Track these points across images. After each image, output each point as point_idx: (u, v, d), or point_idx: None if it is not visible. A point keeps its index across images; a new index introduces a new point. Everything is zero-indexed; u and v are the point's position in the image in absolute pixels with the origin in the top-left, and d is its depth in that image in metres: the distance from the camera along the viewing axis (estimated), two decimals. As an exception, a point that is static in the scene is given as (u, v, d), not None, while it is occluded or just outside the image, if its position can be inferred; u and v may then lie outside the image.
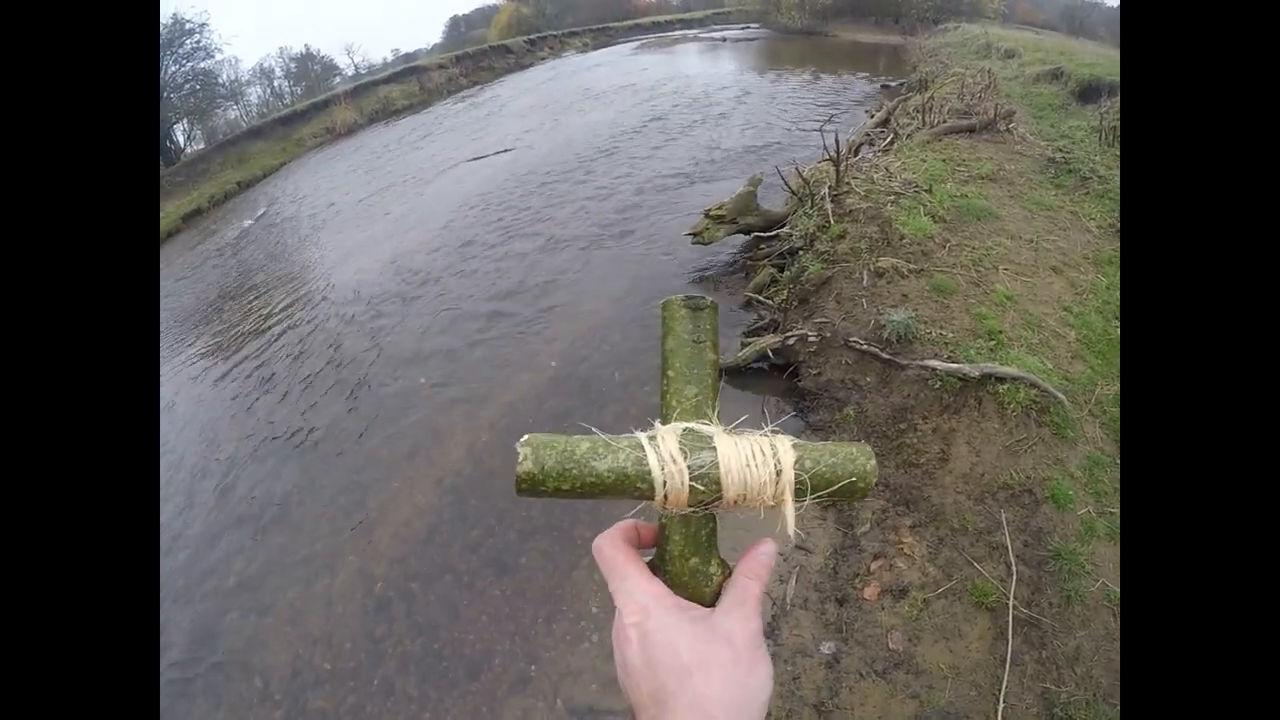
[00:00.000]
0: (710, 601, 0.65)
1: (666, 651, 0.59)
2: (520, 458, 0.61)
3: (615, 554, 0.65)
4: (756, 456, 0.62)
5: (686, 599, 0.65)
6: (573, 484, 0.61)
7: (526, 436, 0.62)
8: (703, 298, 0.70)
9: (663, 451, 0.62)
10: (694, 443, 0.63)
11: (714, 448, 0.62)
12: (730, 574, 0.67)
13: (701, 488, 0.61)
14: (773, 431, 0.65)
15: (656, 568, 0.67)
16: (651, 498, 0.62)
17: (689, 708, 0.56)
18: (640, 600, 0.62)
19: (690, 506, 0.63)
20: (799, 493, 0.63)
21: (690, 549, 0.66)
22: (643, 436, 0.63)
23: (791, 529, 0.62)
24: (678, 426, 0.65)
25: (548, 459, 0.61)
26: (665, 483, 0.61)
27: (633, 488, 0.61)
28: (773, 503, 0.63)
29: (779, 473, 0.62)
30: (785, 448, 0.63)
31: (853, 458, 0.65)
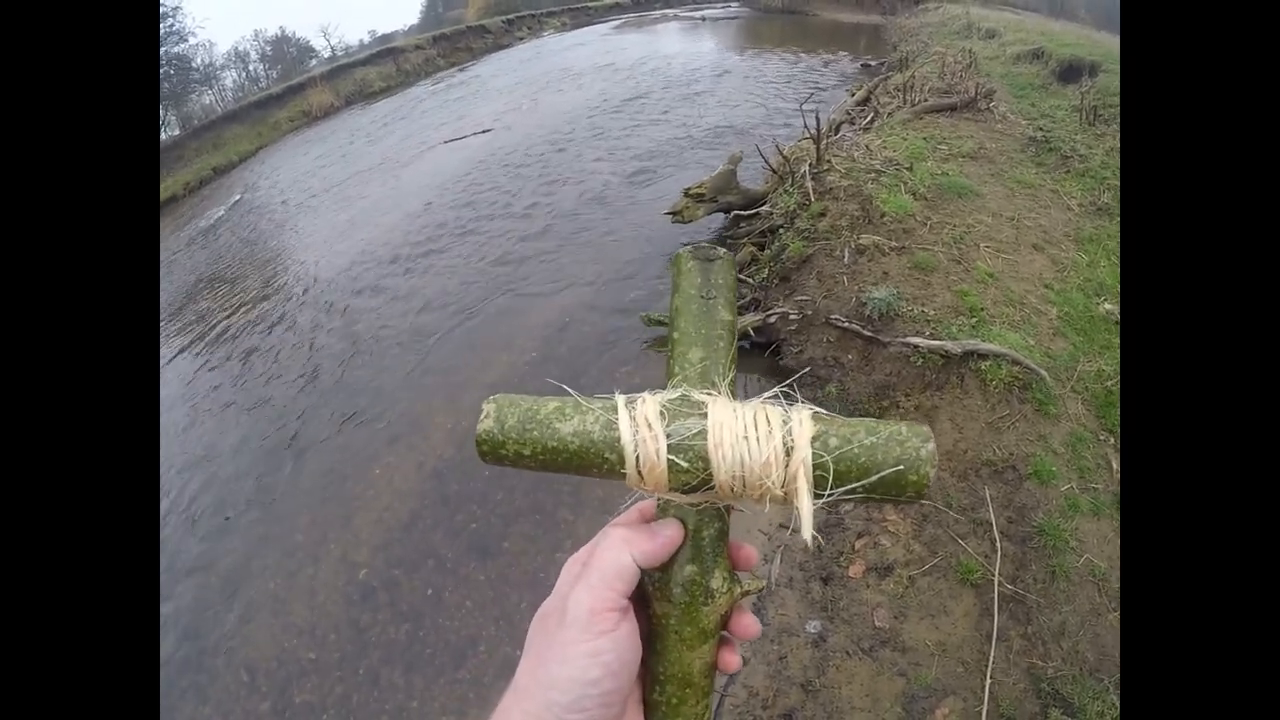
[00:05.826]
0: (711, 625, 0.53)
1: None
2: (482, 414, 0.52)
3: (609, 529, 0.54)
4: (759, 427, 0.47)
5: (680, 618, 0.52)
6: (534, 448, 0.50)
7: (494, 395, 0.53)
8: (715, 248, 0.58)
9: (637, 415, 0.49)
10: (683, 408, 0.50)
11: (704, 414, 0.48)
12: (743, 592, 0.54)
13: (684, 464, 0.47)
14: (793, 402, 0.50)
15: (647, 577, 0.53)
16: (622, 475, 0.49)
17: (511, 690, 0.51)
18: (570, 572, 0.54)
19: (674, 490, 0.49)
20: (820, 482, 0.47)
21: (686, 553, 0.52)
22: (620, 399, 0.51)
23: (808, 531, 0.46)
24: (670, 392, 0.52)
25: (509, 417, 0.51)
26: (637, 454, 0.48)
27: (600, 458, 0.49)
28: (782, 492, 0.47)
29: (789, 451, 0.47)
30: (802, 418, 0.48)
31: (901, 439, 0.47)
